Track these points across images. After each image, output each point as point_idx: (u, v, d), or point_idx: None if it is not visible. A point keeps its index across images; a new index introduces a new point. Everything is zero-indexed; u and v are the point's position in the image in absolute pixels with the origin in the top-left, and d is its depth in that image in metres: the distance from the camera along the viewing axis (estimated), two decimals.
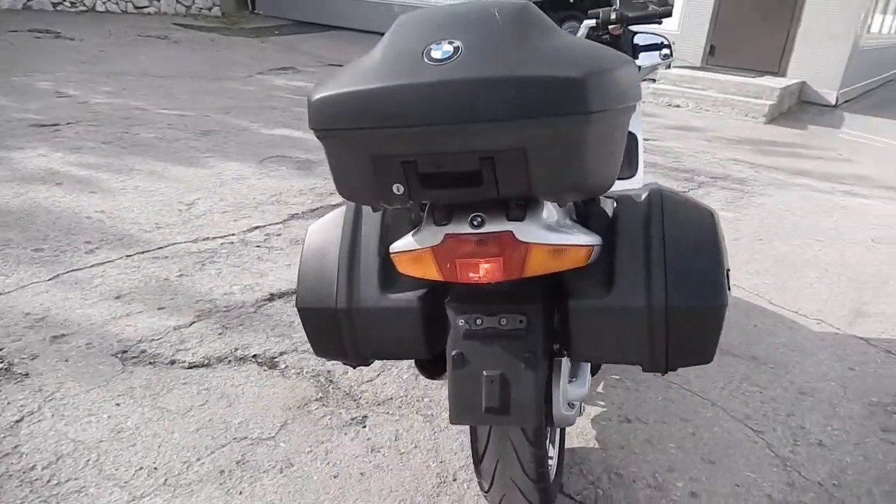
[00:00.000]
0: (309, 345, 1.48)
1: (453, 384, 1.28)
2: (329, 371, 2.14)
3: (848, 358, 2.49)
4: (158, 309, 2.40)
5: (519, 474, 1.39)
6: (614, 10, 2.20)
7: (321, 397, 2.01)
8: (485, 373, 1.26)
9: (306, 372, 2.13)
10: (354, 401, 2.01)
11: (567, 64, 0.97)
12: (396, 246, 1.31)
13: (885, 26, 9.76)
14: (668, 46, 2.41)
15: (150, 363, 2.09)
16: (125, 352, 2.13)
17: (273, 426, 1.87)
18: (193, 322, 2.34)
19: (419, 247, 1.23)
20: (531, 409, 1.25)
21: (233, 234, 3.10)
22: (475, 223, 1.17)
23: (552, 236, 1.18)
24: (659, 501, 1.71)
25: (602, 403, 2.09)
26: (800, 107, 8.15)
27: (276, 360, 2.18)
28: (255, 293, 2.58)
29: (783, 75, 8.03)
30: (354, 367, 1.57)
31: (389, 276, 1.37)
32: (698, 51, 8.69)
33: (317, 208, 3.53)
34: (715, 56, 8.61)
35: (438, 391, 2.09)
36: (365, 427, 1.90)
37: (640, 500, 1.71)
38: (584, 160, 1.01)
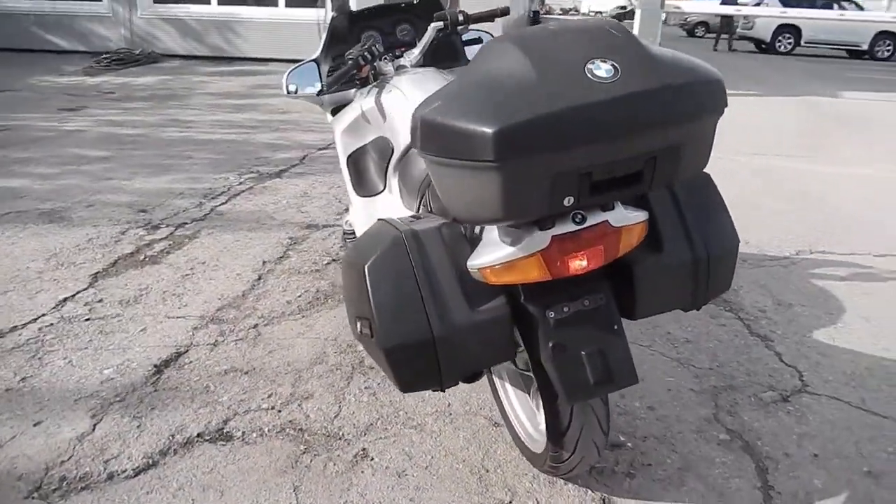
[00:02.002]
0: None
1: (559, 371, 1.40)
2: (290, 421, 2.00)
3: None
4: (35, 425, 1.91)
5: (598, 434, 1.57)
6: (460, 11, 2.39)
7: (306, 448, 1.88)
8: (583, 352, 1.41)
9: (266, 431, 1.95)
10: (341, 439, 1.93)
11: (698, 69, 1.15)
12: (486, 260, 1.36)
13: None
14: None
15: (85, 488, 1.70)
16: (40, 487, 1.69)
17: (288, 495, 1.71)
18: (96, 424, 1.93)
19: (524, 254, 1.30)
20: (630, 370, 1.44)
21: (43, 315, 2.53)
22: (577, 220, 1.30)
23: (630, 216, 1.37)
24: (634, 421, 2.05)
25: None
26: None
27: (225, 430, 1.94)
28: (137, 370, 2.21)
29: None
30: (443, 391, 1.53)
31: (469, 290, 1.40)
32: None
33: (115, 261, 3.04)
34: None
35: (404, 401, 2.11)
36: (373, 459, 1.85)
37: (622, 424, 2.02)
38: (711, 147, 1.22)
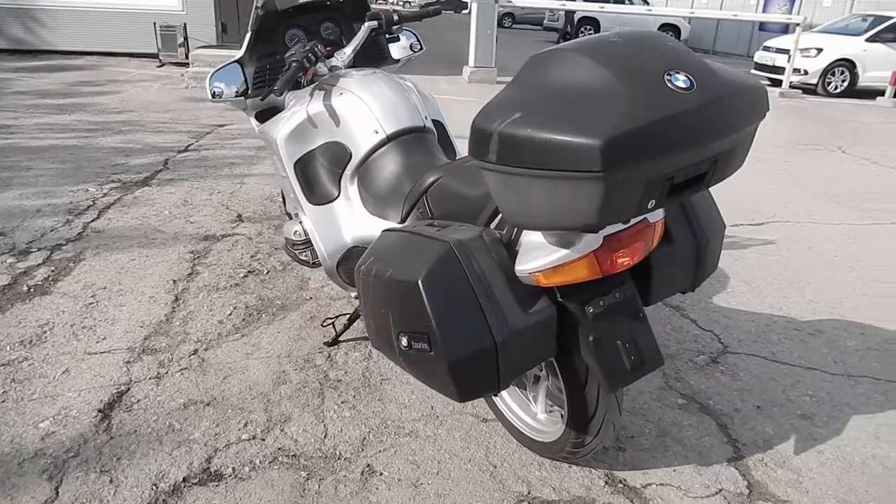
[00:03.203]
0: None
1: (600, 362, 1.49)
2: (279, 448, 1.88)
3: None
4: None
5: (617, 415, 1.68)
6: (394, 11, 2.37)
7: (308, 475, 1.79)
8: (618, 342, 1.50)
9: (258, 463, 1.83)
10: (340, 458, 1.86)
11: (748, 78, 1.26)
12: (538, 264, 1.39)
13: None
14: (416, 38, 2.69)
15: None
16: None
17: None
18: (57, 487, 1.68)
19: (578, 255, 1.36)
20: (657, 353, 1.56)
21: None
22: (625, 220, 1.38)
23: (658, 213, 1.48)
24: None
25: None
26: None
27: (212, 470, 1.79)
28: (80, 418, 1.94)
29: None
30: (496, 396, 1.51)
31: (518, 294, 1.43)
32: (210, 30, 8.68)
33: (5, 287, 2.62)
34: (228, 34, 8.75)
35: (387, 410, 2.08)
36: (382, 474, 1.81)
37: None
38: (750, 148, 1.34)
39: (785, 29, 18.32)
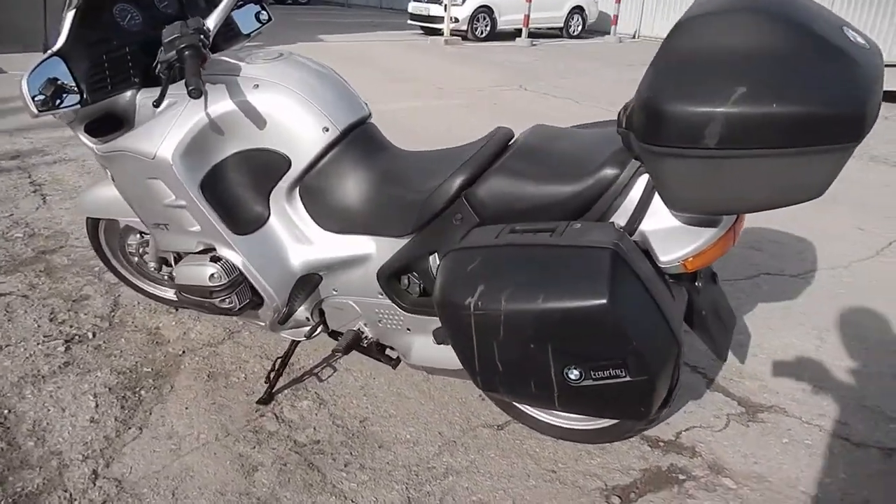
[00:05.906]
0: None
1: (709, 334, 1.51)
2: None
3: None
4: None
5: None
6: None
7: None
8: (714, 310, 1.52)
9: None
10: None
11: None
12: (689, 249, 1.32)
13: None
14: (261, 6, 2.20)
15: None
16: None
17: None
18: None
19: (724, 231, 1.32)
20: (732, 311, 1.63)
21: None
22: None
23: None
24: None
25: None
26: None
27: None
28: None
29: None
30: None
31: (666, 285, 1.33)
32: None
33: None
34: None
35: (397, 458, 1.77)
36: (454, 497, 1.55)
37: None
38: None
39: None
